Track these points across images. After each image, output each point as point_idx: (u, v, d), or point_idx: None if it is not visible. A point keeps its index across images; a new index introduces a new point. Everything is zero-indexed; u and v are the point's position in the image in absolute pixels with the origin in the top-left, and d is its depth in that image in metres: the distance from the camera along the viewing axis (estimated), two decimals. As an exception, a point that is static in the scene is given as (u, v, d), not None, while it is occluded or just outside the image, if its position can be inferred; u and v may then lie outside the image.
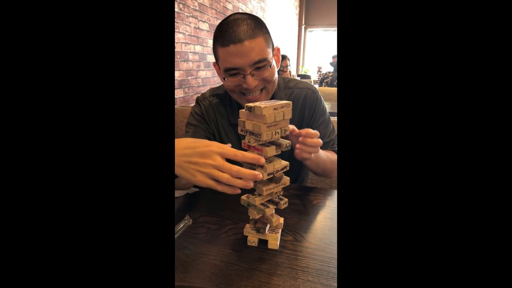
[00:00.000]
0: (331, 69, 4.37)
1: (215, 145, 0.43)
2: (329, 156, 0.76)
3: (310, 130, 0.58)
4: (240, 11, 3.25)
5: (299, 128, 0.81)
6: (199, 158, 0.42)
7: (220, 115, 0.83)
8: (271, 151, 0.48)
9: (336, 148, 0.84)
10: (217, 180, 0.42)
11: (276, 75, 0.74)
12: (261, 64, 0.66)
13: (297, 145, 0.59)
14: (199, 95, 0.89)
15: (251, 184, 0.42)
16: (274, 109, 0.46)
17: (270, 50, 0.68)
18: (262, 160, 0.43)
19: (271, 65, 0.69)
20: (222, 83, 0.82)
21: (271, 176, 0.49)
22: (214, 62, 0.74)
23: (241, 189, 0.43)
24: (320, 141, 0.59)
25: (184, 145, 0.44)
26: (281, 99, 0.80)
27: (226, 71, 0.68)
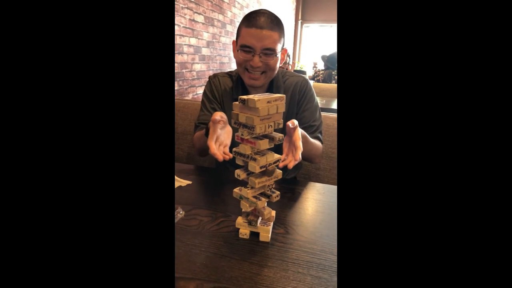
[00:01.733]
0: (322, 65, 4.34)
1: None
2: (315, 143, 0.84)
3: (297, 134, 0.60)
4: (236, 4, 3.21)
5: (287, 110, 0.86)
6: None
7: (225, 90, 0.95)
8: (264, 144, 0.48)
9: (320, 136, 0.91)
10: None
11: (278, 66, 0.85)
12: (269, 52, 0.80)
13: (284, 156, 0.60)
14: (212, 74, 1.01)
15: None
16: (268, 102, 0.46)
17: (279, 45, 0.82)
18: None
19: (276, 55, 0.82)
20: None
21: (264, 169, 0.49)
22: (233, 40, 0.88)
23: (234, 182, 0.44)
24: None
25: None
26: (278, 85, 0.90)
27: (242, 47, 0.81)
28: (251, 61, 0.80)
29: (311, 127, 0.89)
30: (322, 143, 0.91)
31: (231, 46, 0.95)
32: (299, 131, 0.61)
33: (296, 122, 0.60)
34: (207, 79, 0.98)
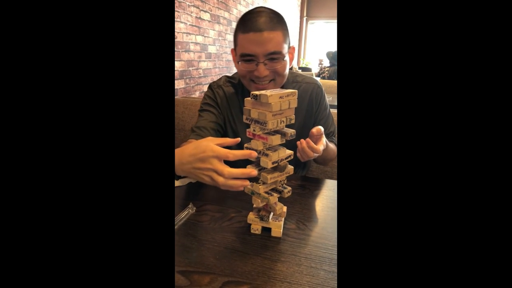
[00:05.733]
0: (328, 62, 4.32)
1: (210, 149, 0.45)
2: (332, 148, 0.82)
3: (320, 130, 0.64)
4: (242, 1, 3.21)
5: (304, 120, 0.83)
6: (200, 163, 0.46)
7: (233, 103, 0.86)
8: (276, 140, 0.48)
9: (335, 139, 0.90)
10: None
11: (287, 70, 0.76)
12: (275, 56, 0.69)
13: (299, 149, 0.64)
14: (213, 82, 0.91)
15: (247, 182, 0.45)
16: (280, 97, 0.46)
17: (285, 46, 0.71)
18: (254, 154, 0.45)
19: (284, 58, 0.71)
20: (222, 74, 0.87)
21: (276, 164, 0.49)
22: (232, 49, 0.77)
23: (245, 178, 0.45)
24: (320, 150, 0.64)
25: (188, 153, 0.48)
26: None
27: (242, 56, 0.71)
28: (256, 71, 0.69)
29: (327, 135, 0.88)
30: (336, 146, 0.89)
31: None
32: (324, 139, 0.66)
33: (322, 129, 0.64)
34: (212, 80, 0.93)
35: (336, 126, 0.92)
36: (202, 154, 0.45)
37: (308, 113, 0.86)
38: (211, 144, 0.46)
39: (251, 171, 0.44)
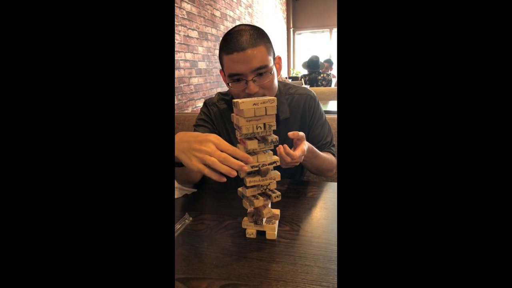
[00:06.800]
0: (306, 71, 4.35)
1: (214, 137, 0.49)
2: (326, 158, 0.82)
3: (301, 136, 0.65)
4: (228, 17, 3.29)
5: (299, 131, 0.86)
6: (197, 144, 0.49)
7: (227, 119, 0.88)
8: (252, 144, 0.50)
9: (333, 150, 0.89)
10: (207, 166, 0.48)
11: (276, 83, 0.78)
12: (262, 71, 0.71)
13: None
14: (208, 98, 0.94)
15: (235, 173, 0.47)
16: (254, 104, 0.48)
17: (270, 58, 0.73)
18: (251, 160, 0.48)
19: (271, 72, 0.73)
20: (213, 89, 0.89)
21: (256, 169, 0.50)
22: (220, 69, 0.80)
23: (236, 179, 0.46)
24: (296, 155, 0.64)
25: (191, 135, 0.53)
26: (282, 104, 0.86)
27: (230, 77, 0.73)
28: (247, 88, 0.72)
29: (324, 145, 0.88)
30: (335, 156, 0.88)
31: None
32: (305, 146, 0.67)
33: (300, 134, 0.65)
34: (204, 95, 0.98)
35: (333, 134, 0.92)
36: (204, 137, 0.50)
37: (302, 125, 0.88)
38: (218, 136, 0.50)
39: (245, 165, 0.47)
